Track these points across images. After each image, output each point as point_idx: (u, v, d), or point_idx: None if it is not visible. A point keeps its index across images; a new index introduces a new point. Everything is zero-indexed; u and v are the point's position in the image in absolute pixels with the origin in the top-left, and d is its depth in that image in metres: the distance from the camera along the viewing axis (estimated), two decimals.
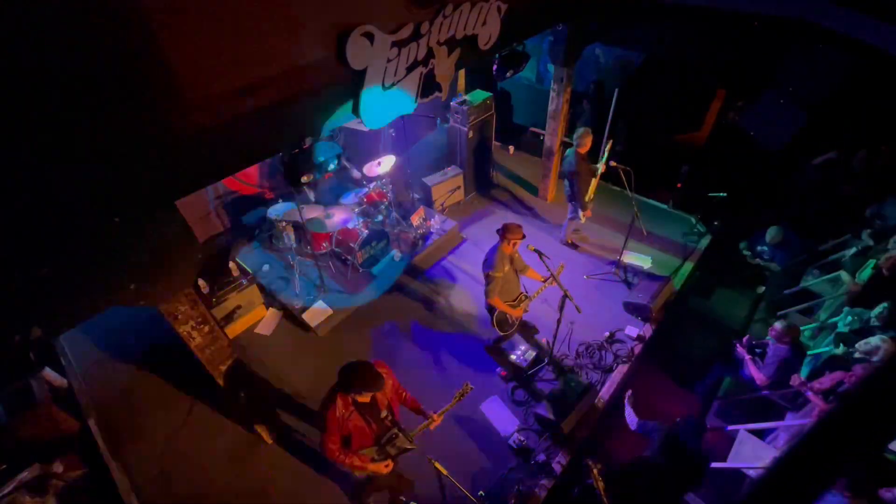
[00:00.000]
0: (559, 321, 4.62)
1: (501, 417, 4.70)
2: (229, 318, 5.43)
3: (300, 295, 5.82)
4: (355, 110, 3.53)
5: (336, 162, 5.91)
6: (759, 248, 6.36)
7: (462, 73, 8.27)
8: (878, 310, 4.41)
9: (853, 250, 5.45)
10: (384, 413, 3.07)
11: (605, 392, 4.89)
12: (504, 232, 4.24)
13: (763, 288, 6.21)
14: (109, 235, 2.55)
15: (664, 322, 5.59)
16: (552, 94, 6.37)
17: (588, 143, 5.56)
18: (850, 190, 6.15)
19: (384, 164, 6.01)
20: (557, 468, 4.26)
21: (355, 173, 6.36)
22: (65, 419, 4.53)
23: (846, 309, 4.82)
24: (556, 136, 6.68)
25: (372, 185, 6.22)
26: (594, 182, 5.79)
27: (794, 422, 4.22)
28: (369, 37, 3.19)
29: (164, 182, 2.68)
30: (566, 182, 5.89)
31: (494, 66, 5.18)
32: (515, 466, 4.31)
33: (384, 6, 3.27)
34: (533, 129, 8.43)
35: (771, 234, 6.13)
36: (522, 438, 4.46)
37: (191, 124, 2.60)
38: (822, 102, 6.36)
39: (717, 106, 7.89)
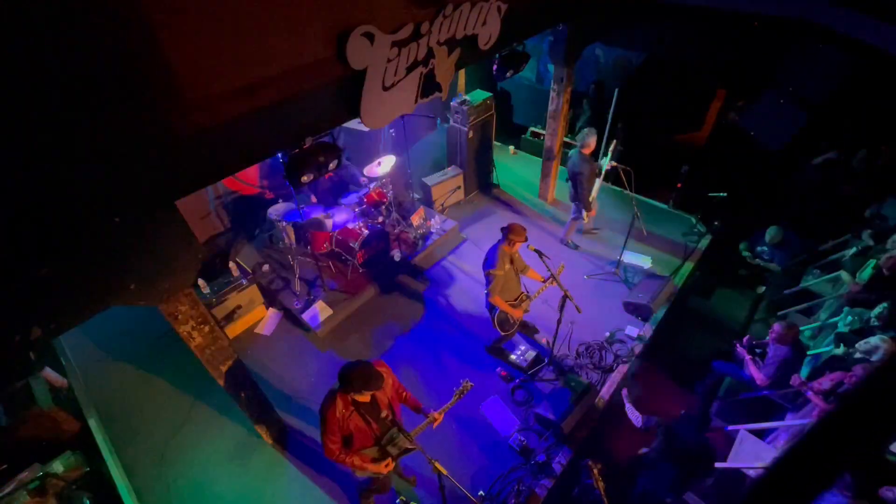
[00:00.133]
0: (559, 321, 4.62)
1: (501, 417, 4.70)
2: (229, 318, 5.43)
3: (300, 295, 5.83)
4: (355, 110, 3.53)
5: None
6: (759, 248, 6.36)
7: (462, 72, 8.27)
8: (877, 310, 4.41)
9: (853, 250, 5.45)
10: (384, 413, 3.07)
11: (605, 392, 4.89)
12: (508, 232, 4.25)
13: (763, 288, 6.20)
14: (109, 235, 2.55)
15: (664, 322, 5.59)
16: (552, 94, 6.37)
17: (593, 143, 5.59)
18: (851, 190, 6.15)
19: (384, 164, 6.01)
20: (558, 468, 4.26)
21: (362, 179, 6.37)
22: (65, 419, 4.54)
23: (846, 309, 4.82)
24: (556, 136, 6.68)
25: (372, 185, 6.22)
26: (598, 182, 5.80)
27: (794, 422, 4.22)
28: (369, 37, 3.18)
29: (164, 182, 2.68)
30: (570, 182, 5.89)
31: (494, 66, 5.18)
32: (515, 466, 4.31)
33: (384, 6, 3.26)
34: (533, 129, 8.43)
35: (771, 234, 6.13)
36: (522, 438, 4.46)
37: (191, 124, 2.60)
38: (822, 102, 6.35)
39: (717, 106, 7.89)
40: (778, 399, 4.52)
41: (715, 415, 4.86)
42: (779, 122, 6.64)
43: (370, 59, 3.30)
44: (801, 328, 4.96)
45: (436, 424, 3.24)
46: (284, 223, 5.89)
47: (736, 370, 4.74)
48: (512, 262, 4.42)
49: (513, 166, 8.31)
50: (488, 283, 4.35)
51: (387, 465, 3.14)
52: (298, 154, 3.45)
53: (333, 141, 6.43)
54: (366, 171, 6.03)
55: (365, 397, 2.92)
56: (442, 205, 7.23)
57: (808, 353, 4.74)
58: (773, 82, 6.76)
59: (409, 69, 3.70)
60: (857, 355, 4.07)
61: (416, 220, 6.58)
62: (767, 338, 4.43)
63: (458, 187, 7.30)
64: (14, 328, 2.42)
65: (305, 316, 5.58)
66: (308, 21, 2.89)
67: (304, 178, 3.59)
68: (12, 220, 2.21)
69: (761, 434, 4.32)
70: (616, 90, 7.14)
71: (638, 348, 5.29)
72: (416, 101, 3.99)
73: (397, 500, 4.07)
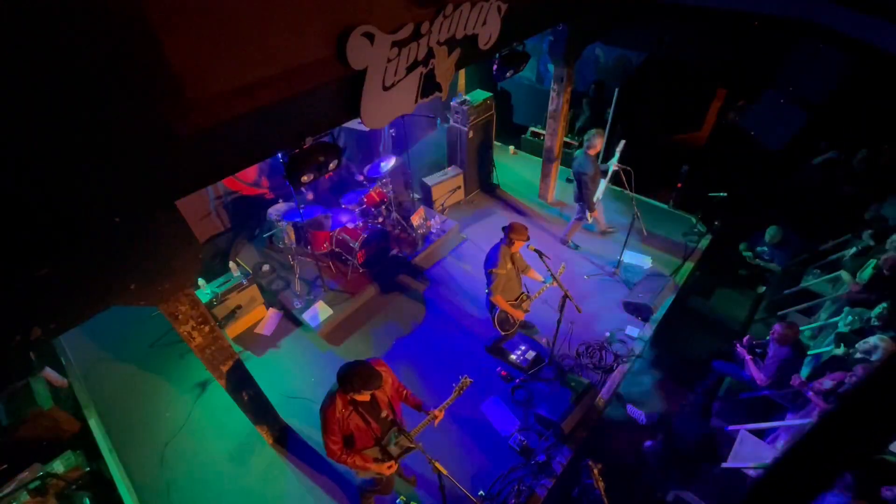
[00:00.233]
0: (559, 321, 4.62)
1: (501, 417, 4.70)
2: (229, 318, 5.43)
3: (300, 295, 5.83)
4: (355, 110, 3.53)
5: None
6: (759, 248, 6.36)
7: (462, 72, 8.27)
8: (877, 310, 4.40)
9: (853, 250, 5.44)
10: (385, 413, 3.07)
11: (606, 392, 4.89)
12: (509, 231, 4.24)
13: (763, 288, 6.20)
14: (110, 235, 2.55)
15: (664, 322, 5.59)
16: (552, 93, 6.37)
17: (599, 144, 5.57)
18: (851, 190, 6.14)
19: (384, 164, 6.01)
20: (558, 468, 4.26)
21: (359, 177, 6.37)
22: (65, 419, 4.54)
23: (846, 309, 4.82)
24: (556, 136, 6.68)
25: (372, 186, 6.22)
26: (603, 183, 5.80)
27: (794, 422, 4.22)
28: (369, 37, 3.18)
29: (164, 182, 2.68)
30: (574, 182, 5.89)
31: (494, 66, 5.18)
32: (516, 466, 4.31)
33: (384, 6, 3.26)
34: (533, 128, 8.43)
35: (771, 234, 6.13)
36: (523, 438, 4.46)
37: (191, 124, 2.60)
38: (822, 102, 6.35)
39: (718, 106, 7.89)
40: (778, 399, 4.52)
41: (715, 415, 4.87)
42: (779, 122, 6.64)
43: (370, 58, 3.30)
44: (802, 328, 4.96)
45: (437, 422, 3.23)
46: (284, 223, 5.89)
47: (736, 370, 4.74)
48: (513, 262, 4.42)
49: (513, 166, 8.31)
50: (489, 282, 4.35)
51: (389, 467, 3.14)
52: (298, 154, 3.45)
53: (333, 141, 6.45)
54: (366, 171, 6.03)
55: (364, 397, 2.92)
56: (442, 205, 7.23)
57: (809, 353, 4.74)
58: (774, 82, 6.76)
59: (410, 69, 3.70)
60: (858, 355, 4.07)
61: (416, 220, 6.58)
62: (768, 338, 4.43)
63: (458, 187, 7.30)
64: (14, 328, 2.42)
65: (305, 316, 5.58)
66: (308, 21, 2.89)
67: (305, 178, 3.59)
68: (12, 219, 2.21)
69: (761, 434, 4.31)
70: (616, 90, 7.14)
71: (638, 348, 5.29)
72: (416, 101, 3.99)
73: (398, 501, 4.07)
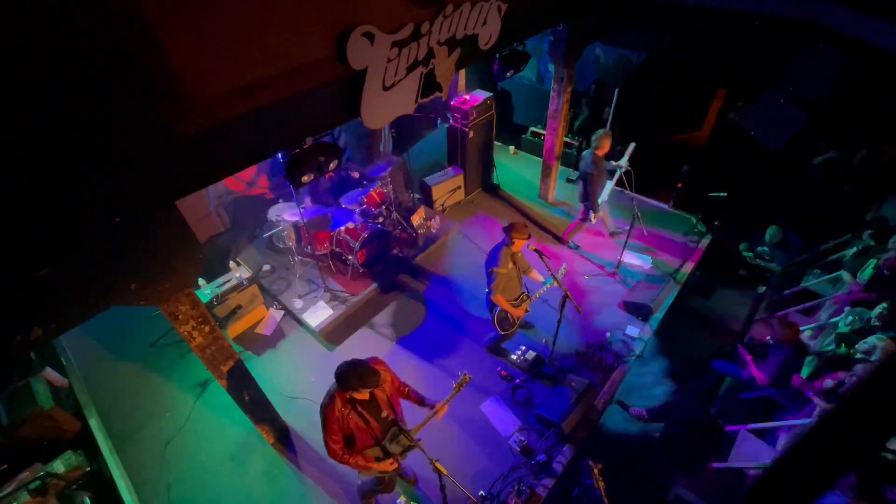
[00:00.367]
0: (560, 321, 4.62)
1: (502, 417, 4.70)
2: (229, 317, 5.43)
3: (301, 295, 5.83)
4: (355, 110, 3.54)
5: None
6: (759, 248, 6.36)
7: (462, 72, 8.27)
8: (878, 310, 4.40)
9: (854, 250, 5.44)
10: (385, 411, 3.07)
11: (606, 392, 4.89)
12: (510, 231, 4.24)
13: (763, 288, 6.20)
14: (110, 235, 2.55)
15: (665, 322, 5.59)
16: (552, 93, 6.37)
17: (606, 145, 5.55)
18: (851, 189, 6.14)
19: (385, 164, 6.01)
20: (558, 468, 4.26)
21: (354, 174, 6.37)
22: (65, 419, 4.54)
23: (847, 309, 4.82)
24: (556, 135, 6.68)
25: (372, 186, 6.22)
26: (609, 185, 5.78)
27: (794, 422, 4.22)
28: (369, 37, 3.18)
29: (164, 182, 2.68)
30: (580, 182, 5.88)
31: (495, 66, 5.18)
32: (516, 466, 4.31)
33: (385, 6, 3.27)
34: (533, 128, 8.43)
35: (771, 234, 6.13)
36: (523, 438, 4.46)
37: (191, 124, 2.60)
38: (822, 102, 6.35)
39: (718, 106, 7.88)
40: (779, 399, 4.52)
41: (715, 415, 4.87)
42: (779, 122, 6.63)
43: (370, 58, 3.30)
44: (802, 328, 4.96)
45: (439, 416, 3.24)
46: (285, 223, 5.89)
47: (736, 370, 4.74)
48: (514, 262, 4.42)
49: (513, 166, 8.31)
50: (490, 281, 4.35)
51: (391, 464, 3.14)
52: (299, 154, 3.45)
53: (334, 141, 6.46)
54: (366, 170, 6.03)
55: (363, 395, 2.92)
56: (442, 205, 7.23)
57: (809, 353, 4.74)
58: (774, 82, 6.76)
59: (410, 69, 3.70)
60: (858, 355, 4.07)
61: (416, 220, 6.58)
62: (768, 338, 4.43)
63: (459, 187, 7.30)
64: (14, 328, 2.42)
65: (306, 316, 5.58)
66: (308, 21, 2.89)
67: (305, 178, 3.59)
68: (13, 219, 2.21)
69: (761, 434, 4.32)
70: (616, 90, 7.14)
71: (638, 348, 5.29)
72: (416, 100, 3.99)
73: (398, 501, 4.08)
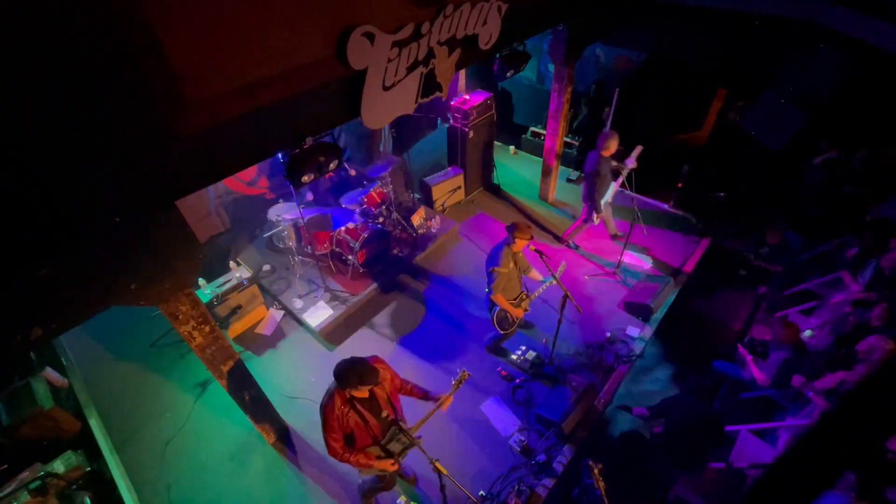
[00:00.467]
0: (560, 321, 4.62)
1: (502, 417, 4.70)
2: (230, 318, 5.43)
3: (301, 295, 5.83)
4: (356, 110, 3.54)
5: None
6: (759, 248, 6.36)
7: (462, 72, 8.27)
8: (877, 310, 4.40)
9: (855, 250, 5.44)
10: (384, 409, 3.08)
11: (607, 392, 4.89)
12: (513, 231, 4.24)
13: (764, 288, 6.20)
14: (110, 235, 2.55)
15: (665, 322, 5.59)
16: (553, 93, 6.37)
17: (612, 146, 5.52)
18: (852, 190, 6.14)
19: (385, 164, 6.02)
20: (558, 468, 4.26)
21: (352, 172, 6.36)
22: (65, 419, 4.54)
23: (847, 309, 4.82)
24: (556, 135, 6.68)
25: (372, 186, 6.22)
26: (614, 186, 5.77)
27: (794, 422, 4.22)
28: (370, 37, 3.19)
29: (164, 182, 2.68)
30: (584, 183, 5.87)
31: (495, 66, 5.18)
32: (516, 466, 4.31)
33: (385, 6, 3.27)
34: (533, 128, 8.43)
35: (771, 233, 6.12)
36: (523, 438, 4.46)
37: (191, 124, 2.60)
38: (822, 102, 6.34)
39: (718, 106, 7.87)
40: (779, 399, 4.52)
41: (715, 412, 4.87)
42: (779, 122, 6.63)
43: (370, 59, 3.30)
44: (802, 328, 4.95)
45: (444, 408, 3.26)
46: (285, 223, 5.89)
47: (736, 370, 4.74)
48: (515, 261, 4.42)
49: (513, 166, 8.31)
50: (491, 280, 4.35)
51: (393, 464, 3.14)
52: (299, 154, 3.45)
53: (334, 141, 6.46)
54: (366, 170, 6.03)
55: (363, 393, 2.93)
56: (442, 205, 7.23)
57: (809, 353, 4.74)
58: (774, 82, 6.76)
59: (410, 69, 3.70)
60: (858, 356, 4.07)
61: (416, 220, 6.58)
62: (769, 338, 4.43)
63: (459, 187, 7.30)
64: (15, 328, 2.42)
65: (306, 316, 5.58)
66: (308, 21, 2.89)
67: (305, 178, 3.59)
68: (13, 219, 2.21)
69: (762, 434, 4.32)
70: (616, 90, 7.14)
71: (638, 348, 5.29)
72: (416, 100, 3.99)
73: (398, 501, 4.08)
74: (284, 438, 4.61)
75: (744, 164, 6.95)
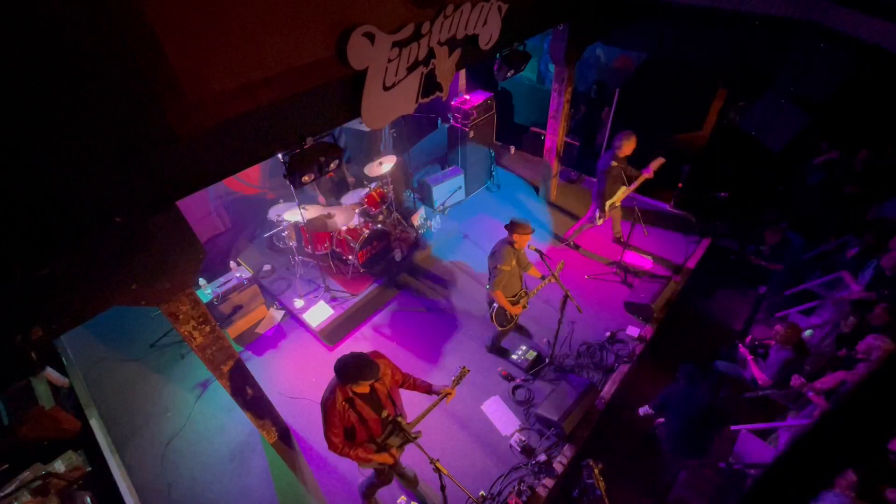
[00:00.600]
0: (560, 321, 4.62)
1: (502, 417, 4.70)
2: (230, 317, 5.43)
3: (301, 295, 5.83)
4: (356, 110, 3.54)
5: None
6: (760, 247, 6.36)
7: (462, 72, 8.27)
8: (877, 310, 4.40)
9: (855, 250, 5.44)
10: (385, 406, 3.08)
11: (607, 392, 4.89)
12: (513, 228, 4.23)
13: (763, 288, 6.20)
14: (111, 235, 2.55)
15: (665, 322, 5.59)
16: (553, 93, 6.37)
17: (627, 147, 5.48)
18: (852, 190, 6.14)
19: (385, 163, 6.01)
20: (559, 468, 4.26)
21: (350, 179, 6.37)
22: (66, 419, 4.54)
23: (847, 309, 4.82)
24: (557, 135, 6.68)
25: (373, 185, 6.22)
26: (623, 190, 5.75)
27: (795, 422, 4.22)
28: (370, 37, 3.19)
29: (164, 182, 2.69)
30: (596, 182, 5.86)
31: (495, 66, 5.18)
32: (516, 466, 4.31)
33: (385, 6, 3.27)
34: (534, 128, 8.43)
35: (772, 233, 6.12)
36: (523, 438, 4.46)
37: (192, 124, 2.61)
38: (823, 102, 6.34)
39: (718, 106, 7.87)
40: (779, 399, 4.52)
41: (719, 400, 4.86)
42: (780, 122, 6.63)
43: (371, 59, 3.31)
44: (803, 328, 4.95)
45: (448, 401, 3.27)
46: (285, 223, 5.89)
47: (737, 370, 4.74)
48: (518, 259, 4.41)
49: (513, 166, 8.31)
50: (492, 277, 4.35)
51: (391, 457, 3.15)
52: (299, 154, 3.45)
53: (334, 141, 6.46)
54: (367, 170, 6.03)
55: (364, 388, 2.93)
56: (442, 205, 7.23)
57: (810, 353, 4.74)
58: (774, 82, 6.76)
59: (410, 69, 3.70)
60: (858, 356, 4.07)
61: (416, 219, 6.58)
62: (770, 338, 4.43)
63: (459, 187, 7.30)
64: (15, 328, 2.43)
65: (306, 316, 5.59)
66: (309, 21, 2.89)
67: (305, 179, 3.59)
68: (13, 219, 2.21)
69: (762, 434, 4.32)
70: (617, 90, 7.14)
71: (639, 348, 5.29)
72: (416, 100, 3.99)
73: (398, 501, 4.08)
74: (285, 438, 4.61)
75: (744, 164, 6.95)
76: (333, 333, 5.57)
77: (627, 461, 4.46)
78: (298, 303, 5.73)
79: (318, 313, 5.59)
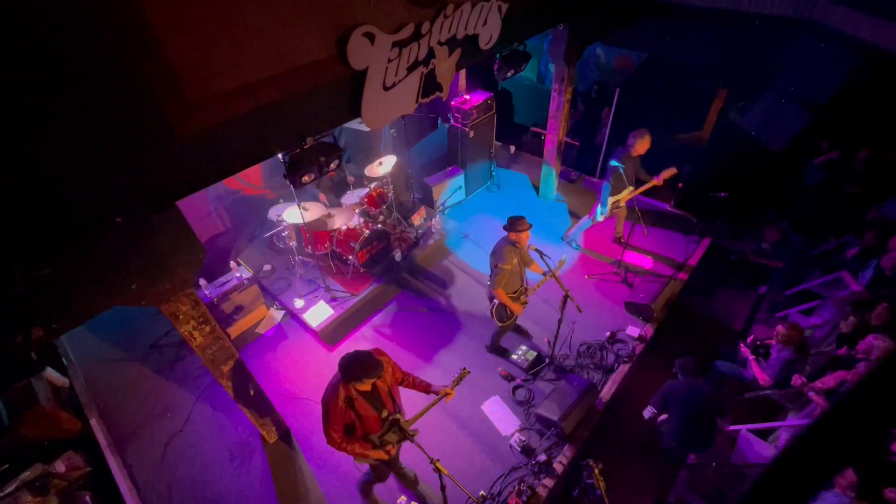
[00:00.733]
0: (560, 321, 4.62)
1: (502, 417, 4.70)
2: (230, 317, 5.43)
3: (301, 295, 5.83)
4: (356, 110, 3.54)
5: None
6: (760, 247, 6.36)
7: (462, 72, 8.27)
8: (878, 310, 4.40)
9: (855, 250, 5.44)
10: (385, 404, 3.09)
11: (607, 392, 4.89)
12: (511, 226, 4.23)
13: (764, 288, 6.20)
14: (111, 236, 2.55)
15: (665, 322, 5.59)
16: (553, 93, 6.37)
17: (640, 147, 5.45)
18: (853, 190, 6.14)
19: (385, 163, 6.01)
20: (559, 468, 4.26)
21: (350, 179, 6.37)
22: (66, 419, 4.54)
23: (848, 309, 4.82)
24: (557, 135, 6.68)
25: (373, 185, 6.22)
26: (629, 191, 5.74)
27: (795, 422, 4.22)
28: (370, 37, 3.19)
29: (164, 182, 2.69)
30: (603, 179, 5.85)
31: (495, 66, 5.18)
32: (516, 466, 4.31)
33: (385, 6, 3.27)
34: (534, 128, 8.43)
35: (772, 233, 6.12)
36: (523, 438, 4.46)
37: (192, 124, 2.61)
38: (823, 102, 6.34)
39: (719, 105, 7.89)
40: (780, 399, 4.52)
41: (720, 396, 4.87)
42: (780, 122, 6.63)
43: (371, 59, 3.31)
44: (803, 328, 4.95)
45: (448, 400, 3.27)
46: (286, 223, 5.89)
47: (737, 370, 4.74)
48: (520, 257, 4.41)
49: (513, 166, 8.32)
50: (493, 275, 4.35)
51: (388, 452, 3.16)
52: (299, 154, 3.45)
53: (335, 141, 6.45)
54: (367, 170, 6.03)
55: (366, 386, 2.94)
56: (443, 204, 7.23)
57: (810, 353, 4.74)
58: (774, 82, 6.76)
59: (410, 69, 3.70)
60: (859, 355, 4.07)
61: (416, 219, 6.58)
62: (771, 338, 4.43)
63: (459, 187, 7.30)
64: (16, 328, 2.43)
65: (306, 316, 5.58)
66: (309, 21, 2.89)
67: (306, 178, 3.60)
68: (14, 220, 2.22)
69: (763, 434, 4.32)
70: (617, 90, 7.14)
71: (639, 348, 5.28)
72: (416, 100, 3.99)
73: (398, 501, 4.08)
74: (285, 438, 4.61)
75: (745, 163, 6.95)
76: (333, 333, 5.57)
77: (627, 461, 4.46)
78: (298, 303, 5.73)
79: (319, 313, 5.59)
